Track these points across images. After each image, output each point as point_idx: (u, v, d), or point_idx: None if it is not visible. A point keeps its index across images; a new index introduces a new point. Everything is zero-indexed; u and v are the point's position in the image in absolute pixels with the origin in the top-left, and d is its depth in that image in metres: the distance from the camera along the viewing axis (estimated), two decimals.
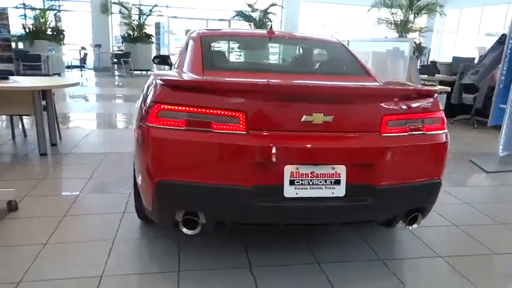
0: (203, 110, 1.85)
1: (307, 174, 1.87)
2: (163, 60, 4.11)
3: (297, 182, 1.86)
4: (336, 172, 1.89)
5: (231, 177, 1.85)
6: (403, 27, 11.79)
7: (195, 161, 1.86)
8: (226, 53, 2.83)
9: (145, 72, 13.26)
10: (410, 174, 2.01)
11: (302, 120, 1.85)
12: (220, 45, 2.78)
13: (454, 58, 7.96)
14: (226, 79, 2.07)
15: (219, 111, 1.84)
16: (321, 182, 1.88)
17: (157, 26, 15.48)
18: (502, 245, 2.59)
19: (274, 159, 1.83)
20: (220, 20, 15.31)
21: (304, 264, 2.24)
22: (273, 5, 14.13)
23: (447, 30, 15.76)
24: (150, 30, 14.22)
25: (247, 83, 2.00)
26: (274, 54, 2.91)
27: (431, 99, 2.08)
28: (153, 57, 4.32)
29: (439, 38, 16.09)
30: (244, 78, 2.24)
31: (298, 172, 1.86)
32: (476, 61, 6.82)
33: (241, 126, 1.83)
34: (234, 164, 1.84)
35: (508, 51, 4.11)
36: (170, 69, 4.05)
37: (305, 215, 1.95)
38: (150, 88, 2.10)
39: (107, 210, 2.83)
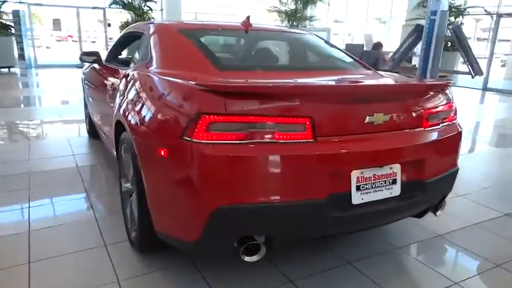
0: (264, 119, 1.60)
1: (370, 177, 1.77)
2: (92, 58, 3.54)
3: (362, 187, 1.76)
4: (393, 171, 1.83)
5: (302, 191, 1.64)
6: (294, 16, 12.32)
7: (259, 178, 1.59)
8: (222, 50, 2.51)
9: (5, 69, 11.39)
10: (445, 164, 2.07)
11: (366, 121, 1.75)
12: (209, 41, 2.45)
13: (347, 45, 8.64)
14: (285, 81, 1.85)
15: (282, 119, 1.62)
16: (381, 183, 1.81)
17: (16, 14, 13.18)
18: None
19: (343, 166, 1.70)
20: (94, 8, 13.91)
21: (337, 267, 2.15)
22: None
23: (336, 18, 16.99)
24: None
25: (314, 85, 1.80)
26: (269, 49, 2.69)
27: (447, 91, 2.17)
28: (80, 54, 3.65)
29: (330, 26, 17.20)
30: (271, 78, 2.04)
31: (363, 176, 1.75)
32: (365, 47, 7.48)
33: (308, 133, 1.64)
34: (304, 176, 1.64)
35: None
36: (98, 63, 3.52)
37: (369, 219, 1.86)
38: (169, 94, 1.75)
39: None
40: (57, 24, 28.09)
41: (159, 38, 2.48)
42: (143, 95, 1.99)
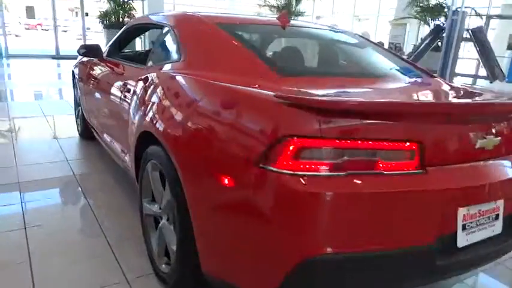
0: (367, 144, 1.25)
1: (476, 214, 1.46)
2: (93, 52, 3.10)
3: (467, 226, 1.44)
4: (496, 206, 1.53)
5: (409, 235, 1.32)
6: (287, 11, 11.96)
7: (360, 221, 1.25)
8: (271, 51, 2.11)
9: None
10: None
11: (477, 146, 1.43)
12: (255, 39, 2.06)
13: None
14: (383, 96, 1.60)
15: (388, 144, 1.28)
16: (485, 220, 1.50)
17: None
18: None
19: (452, 202, 1.37)
20: None
21: None
22: None
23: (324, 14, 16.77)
24: None
25: (431, 103, 1.47)
26: (326, 51, 2.31)
27: None
28: (79, 47, 3.19)
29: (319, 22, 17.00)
30: (348, 87, 1.69)
31: (469, 213, 1.44)
32: None
33: (416, 162, 1.31)
34: (412, 217, 1.31)
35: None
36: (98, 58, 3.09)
37: (472, 264, 1.55)
38: (238, 106, 1.39)
39: None
40: (30, 11, 26.67)
41: (195, 33, 2.09)
42: (194, 104, 1.60)
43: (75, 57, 4.33)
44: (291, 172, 1.21)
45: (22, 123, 4.79)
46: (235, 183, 1.33)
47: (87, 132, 3.99)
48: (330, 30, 2.59)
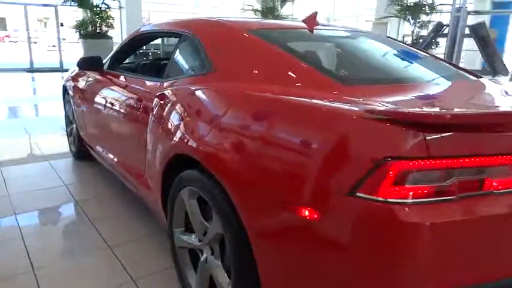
0: (478, 161, 1.07)
1: None
2: (94, 64, 2.85)
3: None
4: None
5: None
6: (272, 15, 11.80)
7: (480, 250, 1.07)
8: (319, 57, 1.89)
9: None
10: None
11: None
12: (295, 45, 1.84)
13: None
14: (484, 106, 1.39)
15: (500, 159, 1.10)
16: None
17: None
18: None
19: None
20: (45, 5, 12.63)
21: None
22: None
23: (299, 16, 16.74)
24: None
25: None
26: (374, 56, 2.10)
27: None
28: (79, 60, 2.91)
29: None
30: (412, 95, 1.51)
31: None
32: None
33: None
34: None
35: None
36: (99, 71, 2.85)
37: None
38: (319, 125, 1.18)
39: None
40: (1, 23, 25.65)
41: (227, 41, 1.87)
42: (257, 124, 1.37)
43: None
44: (396, 200, 1.02)
45: (5, 144, 4.43)
46: (319, 215, 1.12)
47: (82, 152, 3.70)
48: (368, 34, 2.41)
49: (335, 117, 1.16)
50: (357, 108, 1.14)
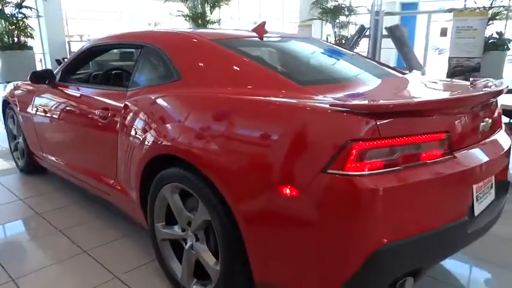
0: (414, 139, 1.42)
1: (482, 186, 1.72)
2: (47, 77, 2.92)
3: (478, 197, 1.69)
4: (492, 177, 1.81)
5: (451, 211, 1.52)
6: (203, 20, 11.93)
7: (418, 206, 1.42)
8: (272, 62, 2.15)
9: None
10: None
11: (480, 129, 1.69)
12: (255, 53, 2.10)
13: None
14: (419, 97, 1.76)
15: (429, 136, 1.46)
16: (486, 190, 1.77)
17: None
18: None
19: (473, 179, 1.61)
20: None
21: None
22: None
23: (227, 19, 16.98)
24: None
25: (454, 98, 1.66)
26: (320, 59, 2.41)
27: None
28: (31, 75, 2.92)
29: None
30: (359, 90, 1.86)
31: (478, 186, 1.69)
32: None
33: (448, 149, 1.52)
34: (453, 196, 1.52)
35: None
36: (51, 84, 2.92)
37: (484, 228, 1.80)
38: (289, 120, 1.46)
39: None
40: None
41: (190, 51, 2.08)
42: (238, 121, 1.60)
43: None
44: (358, 173, 1.33)
45: None
46: (299, 192, 1.40)
47: (31, 166, 3.65)
48: (311, 40, 2.75)
49: (308, 112, 1.45)
50: (324, 104, 1.43)
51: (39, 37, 13.55)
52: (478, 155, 1.65)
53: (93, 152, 2.57)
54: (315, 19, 12.07)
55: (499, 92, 1.79)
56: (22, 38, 11.66)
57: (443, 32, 8.93)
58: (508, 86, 1.94)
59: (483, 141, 1.74)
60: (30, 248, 2.51)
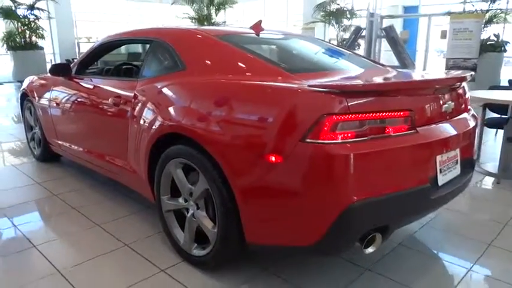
0: (379, 115, 1.69)
1: (446, 160, 1.98)
2: (65, 70, 3.21)
3: (442, 169, 1.95)
4: (456, 153, 2.07)
5: (414, 178, 1.78)
6: (208, 22, 12.27)
7: (383, 171, 1.68)
8: (269, 55, 2.44)
9: None
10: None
11: (443, 110, 1.96)
12: (255, 47, 2.38)
13: None
14: (382, 79, 2.02)
15: (393, 113, 1.73)
16: (450, 165, 2.03)
17: None
18: None
19: (434, 152, 1.87)
20: None
21: (360, 277, 2.15)
22: None
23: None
24: None
25: (418, 80, 1.95)
26: (308, 52, 2.72)
27: None
28: (50, 66, 3.23)
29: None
30: (335, 77, 2.13)
31: (442, 160, 1.95)
32: None
33: (411, 125, 1.78)
34: (414, 164, 1.78)
35: None
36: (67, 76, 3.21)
37: (447, 198, 2.06)
38: (276, 99, 1.73)
39: None
40: None
41: (195, 44, 2.36)
42: (234, 102, 1.88)
43: None
44: (331, 141, 1.59)
45: None
46: (283, 159, 1.66)
47: (47, 154, 3.95)
48: (303, 36, 3.04)
49: (289, 92, 1.72)
50: (303, 85, 1.70)
51: (50, 38, 13.98)
52: (439, 132, 1.91)
53: (106, 137, 2.85)
54: (318, 22, 12.35)
55: (460, 79, 2.05)
56: (33, 39, 12.07)
57: (444, 35, 9.15)
58: (472, 74, 2.20)
59: (446, 121, 2.00)
60: (49, 221, 2.79)
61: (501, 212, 2.92)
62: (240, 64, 2.14)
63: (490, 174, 3.73)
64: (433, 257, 2.32)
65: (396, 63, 7.21)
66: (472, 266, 2.22)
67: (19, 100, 4.27)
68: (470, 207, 3.04)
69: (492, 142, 5.07)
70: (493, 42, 8.81)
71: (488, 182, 3.59)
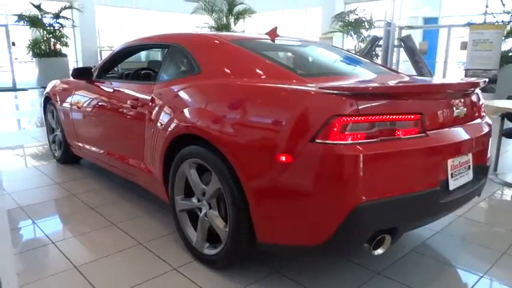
0: (390, 117, 1.71)
1: (457, 165, 1.98)
2: (86, 74, 3.33)
3: (454, 174, 1.95)
4: (468, 159, 2.06)
5: (423, 181, 1.79)
6: (227, 31, 12.48)
7: (392, 173, 1.70)
8: (280, 59, 2.51)
9: None
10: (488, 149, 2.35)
11: (454, 115, 1.96)
12: (268, 52, 2.45)
13: None
14: (396, 83, 2.04)
15: (403, 116, 1.75)
16: (463, 170, 2.02)
17: None
18: None
19: (445, 156, 1.88)
20: None
21: (370, 280, 2.09)
22: (67, 7, 12.46)
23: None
24: None
25: (428, 85, 1.97)
26: (321, 57, 2.78)
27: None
28: (72, 70, 3.36)
29: None
30: (346, 80, 2.17)
31: (454, 164, 1.95)
32: None
33: (421, 128, 1.79)
34: (424, 167, 1.79)
35: None
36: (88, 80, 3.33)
37: (458, 203, 2.05)
38: (288, 101, 1.78)
39: None
40: None
41: (210, 49, 2.43)
42: (249, 104, 1.93)
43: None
44: (340, 142, 1.62)
45: None
46: (293, 159, 1.70)
47: (68, 156, 4.06)
48: (316, 43, 3.09)
49: (301, 93, 1.76)
50: (315, 88, 1.74)
51: (74, 46, 14.39)
52: (450, 136, 1.92)
53: (124, 139, 2.94)
54: (336, 31, 12.39)
55: (472, 84, 2.05)
56: (58, 46, 12.46)
57: (464, 46, 9.06)
58: (485, 81, 2.20)
59: (458, 126, 2.00)
60: (68, 219, 2.88)
61: None
62: (254, 68, 2.20)
63: (507, 184, 3.67)
64: (445, 263, 2.30)
65: (414, 73, 7.22)
66: (485, 273, 2.19)
67: (42, 104, 4.42)
68: (485, 217, 2.99)
69: (511, 153, 4.98)
70: None
71: (506, 192, 3.53)
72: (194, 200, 2.28)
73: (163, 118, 2.39)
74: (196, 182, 2.22)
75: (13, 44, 13.02)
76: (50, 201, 3.19)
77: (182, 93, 2.33)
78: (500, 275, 2.18)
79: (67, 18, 12.79)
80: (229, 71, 2.26)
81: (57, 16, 12.35)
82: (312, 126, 1.66)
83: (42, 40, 12.20)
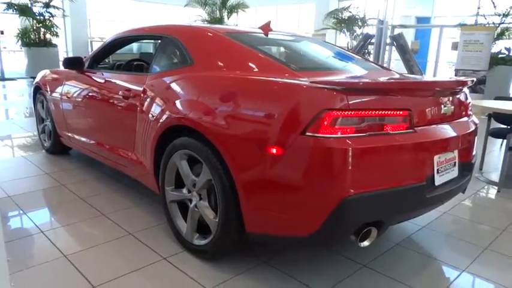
0: (379, 112, 1.75)
1: (443, 161, 2.02)
2: (77, 64, 3.32)
3: (439, 170, 2.00)
4: (454, 155, 2.11)
5: (410, 175, 1.83)
6: (221, 24, 12.44)
7: (380, 166, 1.73)
8: (277, 53, 2.52)
9: None
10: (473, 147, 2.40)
11: (442, 112, 2.01)
12: (261, 45, 2.46)
13: None
14: (387, 79, 2.05)
15: (392, 112, 1.78)
16: (448, 166, 2.07)
17: None
18: None
19: (431, 152, 1.92)
20: None
21: (356, 272, 2.15)
22: None
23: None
24: None
25: (417, 81, 2.01)
26: (314, 52, 2.81)
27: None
28: (63, 60, 3.34)
29: None
30: (338, 75, 2.19)
31: (440, 161, 2.00)
32: None
33: (409, 124, 1.83)
34: (411, 162, 1.83)
35: None
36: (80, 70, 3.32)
37: (443, 198, 2.10)
38: (280, 94, 1.80)
39: None
40: None
41: (203, 41, 2.44)
42: (241, 97, 1.94)
43: None
44: (330, 136, 1.65)
45: None
46: (284, 151, 1.72)
47: (58, 146, 4.04)
48: (308, 38, 3.12)
49: (293, 87, 1.79)
50: (306, 81, 1.77)
51: (64, 36, 14.21)
52: (437, 133, 1.96)
53: (115, 129, 2.94)
54: (329, 28, 12.42)
55: (460, 83, 2.10)
56: (48, 36, 12.28)
57: (455, 46, 9.16)
58: (473, 80, 2.25)
59: (445, 123, 2.05)
60: (57, 209, 2.87)
61: (499, 218, 2.95)
62: (246, 61, 2.22)
63: (491, 182, 3.76)
64: (429, 257, 2.35)
65: (405, 71, 7.30)
66: (467, 267, 2.25)
67: (32, 93, 4.38)
68: (470, 214, 3.06)
69: (497, 152, 5.07)
70: (504, 56, 8.81)
71: (489, 191, 3.61)
72: (184, 191, 2.30)
73: (155, 109, 2.40)
74: (187, 173, 2.23)
75: (1, 32, 12.81)
76: (39, 191, 3.18)
77: (174, 85, 2.34)
78: (481, 269, 2.24)
79: (57, 8, 12.58)
80: (221, 64, 2.28)
81: (47, 5, 12.15)
82: (303, 120, 1.68)
83: (31, 29, 12.02)
